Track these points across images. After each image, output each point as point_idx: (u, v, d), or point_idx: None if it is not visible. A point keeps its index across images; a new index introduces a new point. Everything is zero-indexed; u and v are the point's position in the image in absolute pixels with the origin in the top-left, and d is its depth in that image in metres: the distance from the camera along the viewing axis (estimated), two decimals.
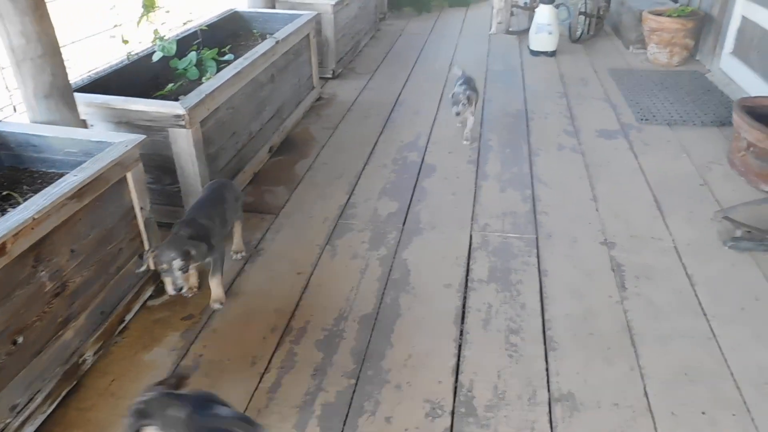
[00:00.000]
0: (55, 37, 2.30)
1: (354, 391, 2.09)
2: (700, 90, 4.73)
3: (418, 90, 4.87)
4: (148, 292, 2.45)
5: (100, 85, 2.87)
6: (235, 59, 3.40)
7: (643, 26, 5.46)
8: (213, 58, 3.40)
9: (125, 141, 2.23)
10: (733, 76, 4.72)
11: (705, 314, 2.45)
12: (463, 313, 2.46)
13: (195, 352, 2.24)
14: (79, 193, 1.92)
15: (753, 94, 4.20)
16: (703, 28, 5.29)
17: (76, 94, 2.53)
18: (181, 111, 2.63)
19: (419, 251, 2.84)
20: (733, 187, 3.35)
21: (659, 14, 5.28)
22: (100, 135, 2.28)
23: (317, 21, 4.64)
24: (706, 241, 2.90)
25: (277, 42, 3.65)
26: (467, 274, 2.69)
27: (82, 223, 1.99)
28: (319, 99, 4.61)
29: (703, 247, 2.85)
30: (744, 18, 4.64)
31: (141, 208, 2.33)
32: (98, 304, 2.13)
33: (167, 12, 3.33)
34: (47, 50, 2.25)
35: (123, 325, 2.31)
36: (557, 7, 5.83)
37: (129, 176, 2.24)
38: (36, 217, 1.72)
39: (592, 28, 6.29)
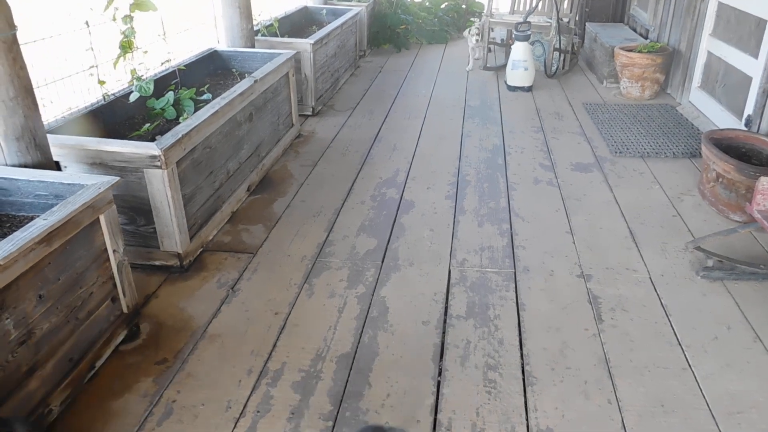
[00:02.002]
0: (28, 78, 2.30)
1: None
2: (672, 122, 4.84)
3: (398, 126, 4.92)
4: (121, 337, 2.41)
5: (74, 126, 2.87)
6: (213, 98, 3.43)
7: (615, 62, 5.60)
8: (191, 98, 3.42)
9: (98, 183, 2.22)
10: (702, 108, 4.85)
11: (680, 344, 2.46)
12: (442, 350, 2.45)
13: (168, 398, 2.19)
14: (48, 237, 1.90)
15: (720, 126, 4.31)
16: (672, 63, 5.44)
17: (50, 136, 2.52)
18: (156, 152, 2.63)
19: (397, 288, 2.84)
20: (704, 217, 3.41)
21: (630, 50, 5.43)
22: (72, 177, 2.26)
23: (296, 59, 4.70)
24: (680, 271, 2.93)
25: (256, 81, 3.68)
26: (445, 311, 2.68)
27: (50, 267, 1.96)
28: (298, 136, 4.64)
29: (677, 278, 2.88)
30: (709, 53, 4.79)
31: (114, 251, 2.31)
32: (67, 351, 2.08)
33: (145, 53, 3.36)
34: (19, 92, 2.25)
35: (93, 371, 2.25)
36: (532, 44, 5.99)
37: (102, 218, 2.23)
38: (1, 263, 1.70)
39: (567, 64, 6.45)
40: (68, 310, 2.08)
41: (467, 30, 6.53)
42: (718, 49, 4.65)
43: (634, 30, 6.55)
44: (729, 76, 4.45)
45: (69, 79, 3.03)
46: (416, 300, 2.75)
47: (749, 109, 4.03)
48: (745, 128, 4.00)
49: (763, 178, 2.63)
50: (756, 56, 4.02)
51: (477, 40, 6.40)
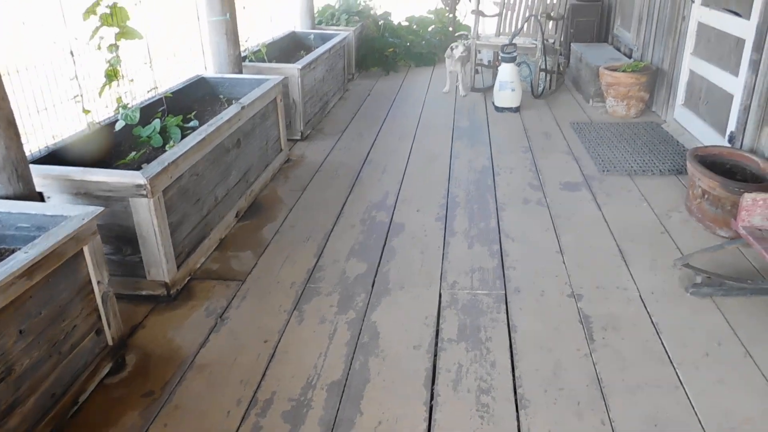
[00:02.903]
0: (9, 109, 2.29)
1: None
2: (657, 140, 4.88)
3: (387, 148, 4.94)
4: (106, 369, 2.37)
5: (58, 155, 2.85)
6: (200, 125, 3.43)
7: (601, 81, 5.66)
8: (177, 125, 3.41)
9: (81, 214, 2.20)
10: (686, 125, 4.89)
11: (671, 362, 2.45)
12: (434, 374, 2.42)
13: None
14: (29, 271, 1.87)
15: (704, 143, 4.36)
16: (656, 81, 5.51)
17: (33, 166, 2.51)
18: (142, 181, 2.62)
19: (388, 312, 2.81)
20: (691, 234, 3.42)
21: (614, 69, 5.49)
22: (54, 208, 2.24)
23: (284, 84, 4.72)
24: (669, 288, 2.93)
25: (243, 107, 3.69)
26: (437, 334, 2.66)
27: (32, 301, 1.93)
28: (287, 161, 4.64)
29: (667, 295, 2.88)
30: (691, 71, 4.85)
31: (98, 282, 2.28)
32: (49, 386, 2.04)
33: (131, 81, 3.37)
34: (0, 124, 2.24)
35: (76, 406, 2.21)
36: (519, 65, 6.05)
37: (86, 250, 2.20)
38: None
39: (553, 84, 6.51)
40: (50, 344, 2.04)
41: (449, 49, 6.45)
42: (699, 67, 4.71)
43: (618, 49, 6.63)
44: (711, 93, 4.51)
45: (57, 107, 3.02)
46: (407, 324, 2.73)
47: (732, 126, 4.08)
48: (728, 145, 4.04)
49: (747, 195, 2.65)
50: (736, 74, 4.07)
51: (460, 56, 6.31)
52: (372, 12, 8.17)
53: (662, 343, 2.56)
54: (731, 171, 3.53)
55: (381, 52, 7.68)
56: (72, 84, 3.10)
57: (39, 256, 1.91)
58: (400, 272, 3.13)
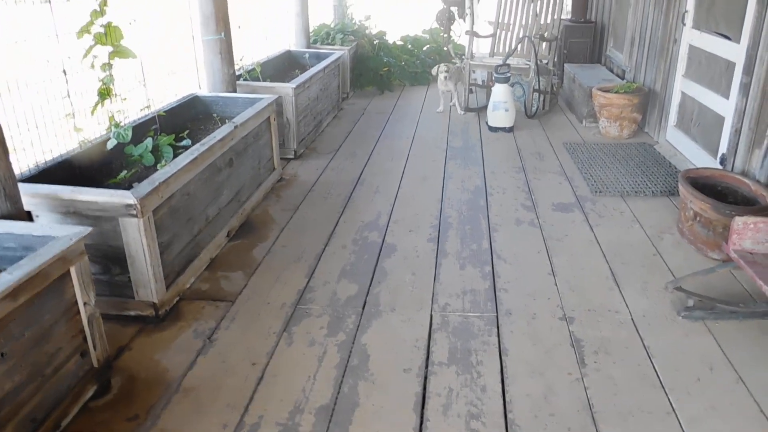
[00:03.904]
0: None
1: None
2: (650, 161, 4.90)
3: (380, 168, 4.94)
4: (90, 392, 2.33)
5: (48, 174, 2.84)
6: (192, 144, 3.42)
7: (594, 102, 5.70)
8: (170, 144, 3.41)
9: (69, 234, 2.18)
10: (679, 147, 4.92)
11: (663, 387, 2.43)
12: (423, 398, 2.39)
13: None
14: (13, 292, 1.85)
15: (696, 164, 4.38)
16: (648, 102, 5.55)
17: (22, 185, 2.49)
18: (132, 200, 2.61)
19: (379, 335, 2.79)
20: (684, 256, 3.41)
21: (607, 90, 5.53)
22: (42, 229, 2.22)
23: (278, 103, 4.73)
24: (661, 311, 2.92)
25: (236, 126, 3.69)
26: (427, 357, 2.64)
27: (15, 323, 1.90)
28: (280, 180, 4.63)
29: (659, 318, 2.86)
30: (683, 93, 4.89)
31: (85, 304, 2.26)
32: (30, 411, 2.00)
33: (124, 99, 3.37)
34: None
35: (59, 431, 2.17)
36: (512, 85, 6.08)
37: (72, 270, 2.18)
38: None
39: (547, 104, 6.55)
40: (33, 367, 2.01)
41: (436, 67, 6.47)
42: (691, 89, 4.75)
43: (611, 71, 6.68)
44: (703, 115, 4.54)
45: (49, 125, 3.01)
46: (398, 347, 2.70)
47: (723, 148, 4.10)
48: (720, 167, 4.05)
49: (738, 218, 2.65)
50: (727, 97, 4.10)
51: (446, 77, 6.32)
52: (367, 31, 8.23)
53: (654, 368, 2.54)
54: (723, 193, 3.54)
55: (376, 72, 7.73)
56: (65, 102, 3.10)
57: (24, 277, 1.89)
58: (392, 294, 3.11)
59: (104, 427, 2.23)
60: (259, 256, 3.50)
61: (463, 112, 6.59)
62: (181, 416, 2.29)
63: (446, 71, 6.30)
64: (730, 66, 4.09)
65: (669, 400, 2.36)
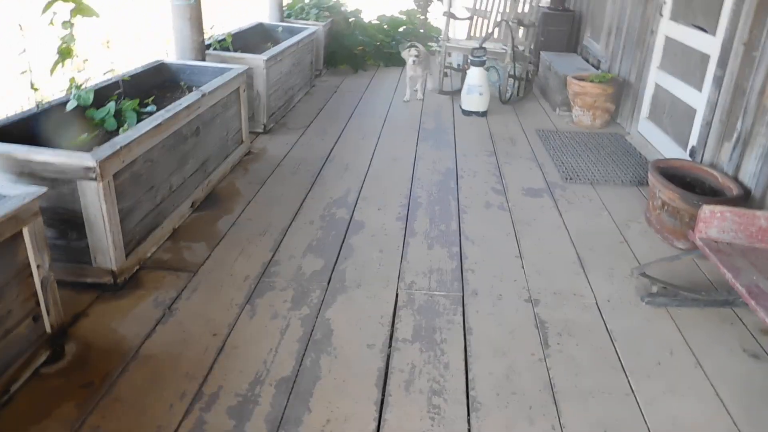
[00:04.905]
0: None
1: None
2: (621, 151, 4.94)
3: (351, 146, 4.88)
4: (42, 358, 2.24)
5: (4, 133, 2.71)
6: (157, 111, 3.31)
7: (568, 90, 5.71)
8: (133, 109, 3.29)
9: (22, 194, 2.08)
10: (650, 138, 4.97)
11: (624, 369, 2.45)
12: (386, 374, 2.37)
13: (91, 425, 2.04)
14: None
15: (666, 156, 4.42)
16: (622, 93, 5.58)
17: None
18: (91, 163, 2.50)
19: (343, 310, 2.75)
20: (650, 244, 3.45)
21: (582, 79, 5.54)
22: None
23: (249, 75, 4.62)
24: (625, 296, 2.94)
25: (204, 95, 3.58)
26: (391, 334, 2.61)
27: None
28: (248, 153, 4.54)
29: (622, 303, 2.89)
30: (657, 85, 4.93)
31: (38, 266, 2.16)
32: None
33: (85, 60, 3.23)
34: None
35: (7, 396, 2.08)
36: (488, 69, 6.05)
37: (25, 231, 2.09)
38: None
39: (521, 91, 6.56)
40: None
41: (406, 50, 6.11)
42: (664, 81, 4.79)
43: (587, 60, 6.71)
44: (675, 107, 4.58)
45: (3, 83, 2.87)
46: (362, 323, 2.67)
47: (693, 140, 4.15)
48: (689, 159, 4.10)
49: (705, 207, 2.67)
50: (700, 90, 4.14)
51: (414, 61, 5.96)
52: (343, 9, 8.10)
53: (616, 351, 2.56)
54: (691, 184, 3.58)
55: (350, 50, 7.62)
56: (21, 60, 2.95)
57: None
58: (358, 270, 3.07)
59: (57, 393, 2.15)
60: (223, 228, 3.42)
61: (422, 98, 6.34)
62: (138, 385, 2.23)
63: (416, 55, 5.97)
64: (704, 59, 4.12)
65: (629, 381, 2.39)
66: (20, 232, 2.07)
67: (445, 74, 6.77)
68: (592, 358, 2.52)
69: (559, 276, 3.11)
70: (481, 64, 5.77)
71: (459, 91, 6.21)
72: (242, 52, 5.17)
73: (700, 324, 2.76)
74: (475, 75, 5.79)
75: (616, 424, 2.18)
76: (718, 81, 3.86)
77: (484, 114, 5.88)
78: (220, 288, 2.86)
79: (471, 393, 2.30)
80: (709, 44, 4.06)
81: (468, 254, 3.29)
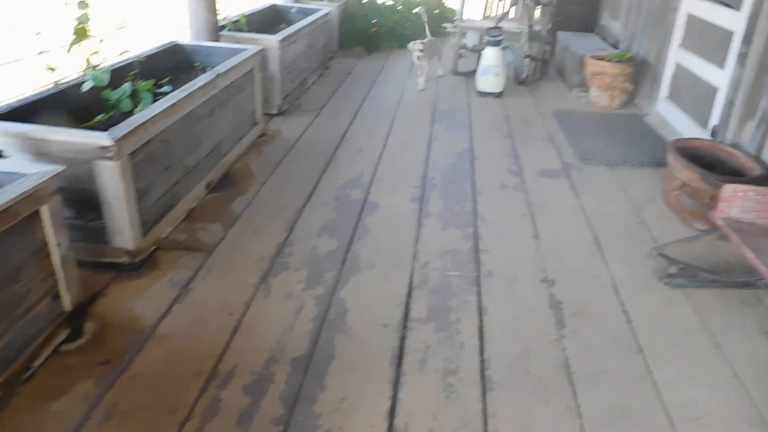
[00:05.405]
0: None
1: None
2: (638, 132, 4.87)
3: (365, 128, 4.85)
4: (62, 336, 2.28)
5: (21, 113, 2.72)
6: (172, 92, 3.31)
7: (585, 70, 5.63)
8: (149, 90, 3.29)
9: (40, 172, 2.10)
10: (669, 119, 4.89)
11: (640, 351, 2.43)
12: (400, 353, 2.37)
13: (109, 401, 2.07)
14: None
15: (686, 136, 4.34)
16: (641, 73, 5.49)
17: None
18: (107, 142, 2.51)
19: (357, 290, 2.75)
20: (668, 226, 3.41)
21: (600, 59, 5.46)
22: (12, 165, 2.14)
23: (263, 56, 4.60)
24: (642, 278, 2.91)
25: (218, 75, 3.58)
26: (406, 314, 2.61)
27: None
28: (262, 135, 4.53)
29: (639, 284, 2.86)
30: (677, 64, 4.84)
31: (57, 245, 2.18)
32: (0, 349, 1.95)
33: (101, 41, 3.23)
34: None
35: (29, 372, 2.12)
36: (503, 49, 5.97)
37: (43, 210, 2.10)
38: None
39: (538, 71, 6.47)
40: (3, 306, 1.95)
41: (411, 43, 5.86)
42: (686, 60, 4.69)
43: (605, 40, 6.60)
44: (696, 87, 4.50)
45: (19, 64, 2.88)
46: (376, 303, 2.67)
47: (715, 120, 4.07)
48: (710, 138, 4.03)
49: (727, 186, 2.63)
50: (722, 67, 4.05)
51: (419, 56, 5.75)
52: None
53: (632, 332, 2.54)
54: (711, 165, 3.50)
55: (364, 32, 7.56)
56: (38, 40, 2.96)
57: None
58: (372, 251, 3.07)
59: (75, 370, 2.18)
60: (238, 209, 3.43)
61: (422, 89, 6.00)
62: (154, 363, 2.25)
63: (420, 50, 5.73)
64: (728, 36, 4.03)
65: (646, 363, 2.37)
66: (38, 211, 2.08)
67: (460, 55, 6.69)
68: (608, 339, 2.50)
69: (575, 257, 3.08)
70: (497, 44, 5.70)
71: (474, 72, 6.14)
72: (256, 33, 5.15)
73: (718, 306, 2.72)
74: (490, 55, 5.72)
75: (632, 405, 2.16)
76: (742, 58, 3.77)
77: (499, 95, 5.81)
78: (235, 268, 2.87)
79: (486, 373, 2.29)
80: (734, 20, 3.96)
81: (483, 235, 3.27)
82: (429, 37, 6.05)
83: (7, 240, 1.95)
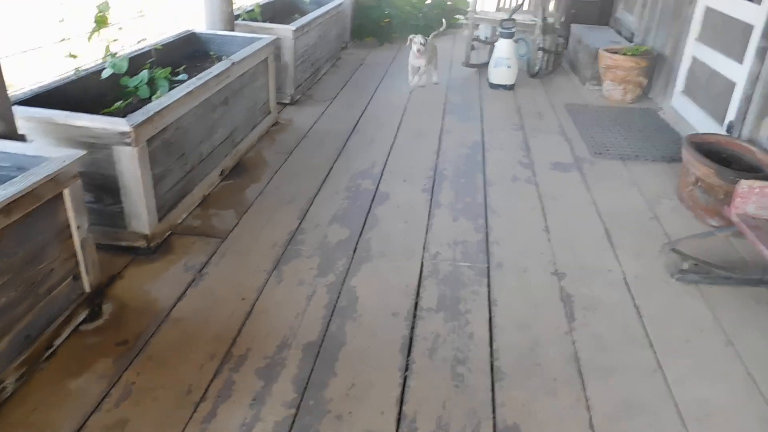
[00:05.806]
0: None
1: (293, 422, 2.01)
2: (652, 127, 4.85)
3: (376, 119, 4.87)
4: (82, 316, 2.33)
5: (42, 99, 2.76)
6: (189, 80, 3.34)
7: (599, 64, 5.61)
8: (165, 78, 3.33)
9: (62, 156, 2.14)
10: (684, 114, 4.86)
11: (651, 346, 2.45)
12: (410, 342, 2.40)
13: (127, 380, 2.12)
14: (6, 208, 1.82)
15: (701, 131, 4.33)
16: (656, 67, 5.46)
17: (16, 107, 2.43)
18: (126, 128, 2.55)
19: (368, 279, 2.79)
20: (681, 221, 3.41)
21: (615, 52, 5.43)
22: (35, 149, 2.18)
23: (276, 46, 4.62)
24: (654, 273, 2.92)
25: (233, 63, 3.60)
26: (416, 303, 2.64)
27: (9, 239, 1.88)
28: (275, 124, 4.56)
29: (651, 279, 2.87)
30: (694, 58, 4.81)
31: (78, 227, 2.23)
32: (24, 327, 2.01)
33: (120, 29, 3.26)
34: None
35: (51, 350, 2.18)
36: (516, 41, 5.96)
37: (65, 193, 2.15)
38: None
39: (550, 64, 6.45)
40: (27, 285, 2.00)
41: (411, 36, 5.49)
42: (703, 54, 4.66)
43: (620, 33, 6.57)
44: (713, 81, 4.47)
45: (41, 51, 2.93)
46: (387, 291, 2.70)
47: (731, 115, 4.05)
48: (726, 134, 4.02)
49: (743, 181, 2.62)
50: (741, 62, 4.03)
51: (419, 50, 5.39)
52: None
53: (643, 327, 2.55)
54: (727, 160, 3.49)
55: (376, 23, 7.55)
56: (60, 28, 3.00)
57: (17, 194, 1.86)
58: (383, 240, 3.10)
59: (95, 349, 2.24)
60: (251, 196, 3.46)
61: (411, 90, 5.64)
62: (169, 344, 2.30)
63: (422, 43, 5.39)
64: (747, 29, 4.00)
65: (656, 358, 2.38)
66: (60, 194, 2.13)
67: (472, 47, 6.67)
68: (619, 333, 2.51)
69: (586, 251, 3.09)
70: (510, 36, 5.68)
71: (486, 64, 6.14)
72: (270, 22, 5.16)
73: (732, 303, 2.72)
74: (503, 47, 5.71)
75: (641, 400, 2.18)
76: (761, 53, 3.74)
77: (511, 87, 5.81)
78: (248, 254, 2.91)
79: (495, 363, 2.32)
80: (754, 14, 3.93)
81: (494, 227, 3.29)
82: (431, 37, 5.85)
83: (32, 221, 2.00)
